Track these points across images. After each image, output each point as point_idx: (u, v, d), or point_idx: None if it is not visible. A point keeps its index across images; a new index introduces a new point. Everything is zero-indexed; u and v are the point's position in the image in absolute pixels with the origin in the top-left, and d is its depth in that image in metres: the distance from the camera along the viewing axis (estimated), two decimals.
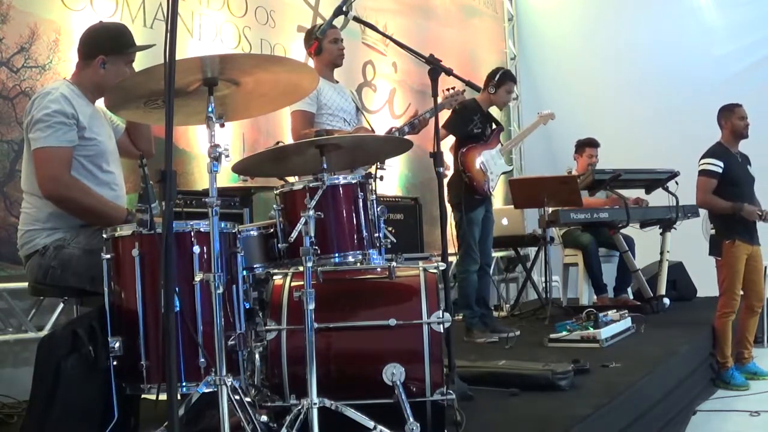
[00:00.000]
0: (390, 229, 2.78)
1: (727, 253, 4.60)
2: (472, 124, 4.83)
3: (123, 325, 2.26)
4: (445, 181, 3.31)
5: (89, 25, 2.93)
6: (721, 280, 4.67)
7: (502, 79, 4.93)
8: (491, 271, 5.15)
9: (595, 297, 6.29)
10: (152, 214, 2.24)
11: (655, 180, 6.01)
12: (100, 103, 2.74)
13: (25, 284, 2.80)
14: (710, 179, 4.64)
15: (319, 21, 5.45)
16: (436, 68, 2.90)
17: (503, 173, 5.13)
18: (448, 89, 4.35)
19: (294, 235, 2.52)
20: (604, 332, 4.34)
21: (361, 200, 2.66)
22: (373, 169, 2.82)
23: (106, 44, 2.73)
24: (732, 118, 4.75)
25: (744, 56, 7.10)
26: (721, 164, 4.63)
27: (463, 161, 4.76)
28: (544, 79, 8.13)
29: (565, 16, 8.10)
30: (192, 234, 2.30)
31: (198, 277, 2.20)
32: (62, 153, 2.58)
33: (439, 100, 3.23)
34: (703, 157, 4.73)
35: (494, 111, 5.22)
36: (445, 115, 4.66)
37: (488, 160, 4.87)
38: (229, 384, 2.11)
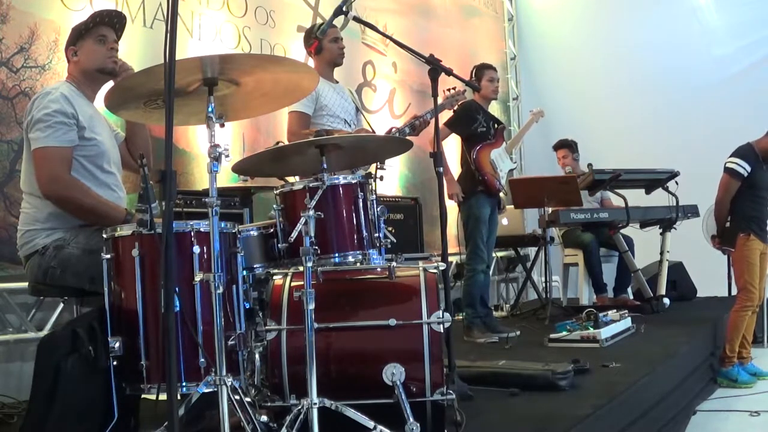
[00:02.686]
0: (390, 229, 2.78)
1: (743, 246, 4.58)
2: (476, 123, 4.87)
3: (123, 325, 2.26)
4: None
5: None
6: (738, 275, 4.65)
7: (479, 73, 5.03)
8: (491, 271, 5.14)
9: (594, 297, 6.29)
10: (152, 214, 2.24)
11: (655, 180, 6.01)
12: (100, 103, 2.74)
13: (25, 284, 2.79)
14: (734, 181, 4.59)
15: (319, 21, 5.45)
16: (436, 68, 2.90)
17: (510, 170, 5.16)
18: (448, 89, 4.36)
19: (294, 235, 2.52)
20: (604, 332, 4.34)
21: (361, 200, 2.66)
22: (373, 169, 2.83)
23: (69, 38, 2.79)
24: None
25: (744, 56, 7.10)
26: (749, 168, 4.57)
27: (476, 161, 4.78)
28: (544, 79, 8.13)
29: (565, 16, 8.10)
30: (192, 234, 2.30)
31: (198, 277, 2.20)
32: (62, 153, 2.58)
33: (440, 100, 3.24)
34: (733, 155, 4.65)
35: (494, 111, 5.24)
36: (445, 115, 4.67)
37: (496, 158, 4.92)
38: (229, 384, 2.11)
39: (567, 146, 6.51)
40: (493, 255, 5.30)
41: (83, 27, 2.75)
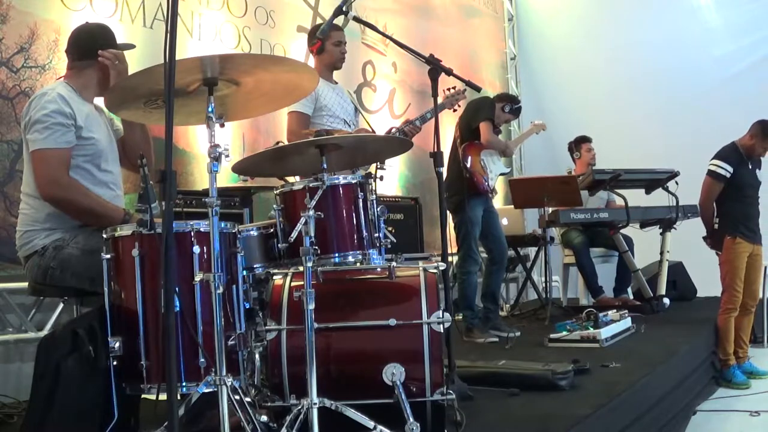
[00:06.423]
0: (390, 229, 2.78)
1: (728, 249, 4.64)
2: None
3: (123, 325, 2.26)
4: None
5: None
6: (722, 277, 4.70)
7: (515, 111, 5.13)
8: (505, 266, 5.02)
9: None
10: (152, 214, 2.24)
11: (655, 180, 6.01)
12: (100, 102, 2.74)
13: (25, 284, 2.80)
14: (717, 183, 4.66)
15: (320, 21, 5.45)
16: (436, 68, 2.90)
17: (501, 174, 5.14)
18: (448, 89, 4.36)
19: (294, 235, 2.52)
20: (604, 332, 4.34)
21: (361, 200, 2.66)
22: (373, 169, 2.82)
23: (75, 52, 2.78)
24: (765, 141, 4.70)
25: (744, 56, 7.10)
26: (731, 169, 4.64)
27: (463, 156, 4.77)
28: (544, 79, 8.13)
29: (565, 16, 8.10)
30: (192, 234, 2.30)
31: (198, 277, 2.20)
32: (60, 154, 2.58)
33: (440, 100, 3.23)
34: (715, 157, 4.73)
35: None
36: (445, 115, 4.65)
37: (487, 159, 4.90)
38: (229, 384, 2.11)
39: (589, 140, 6.51)
40: (507, 248, 5.13)
41: (113, 43, 2.79)
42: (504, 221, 6.20)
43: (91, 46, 2.76)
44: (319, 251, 2.40)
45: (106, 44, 2.77)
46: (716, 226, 4.72)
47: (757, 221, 4.72)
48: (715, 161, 4.70)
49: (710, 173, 4.70)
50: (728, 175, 4.63)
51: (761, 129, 4.69)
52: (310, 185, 2.56)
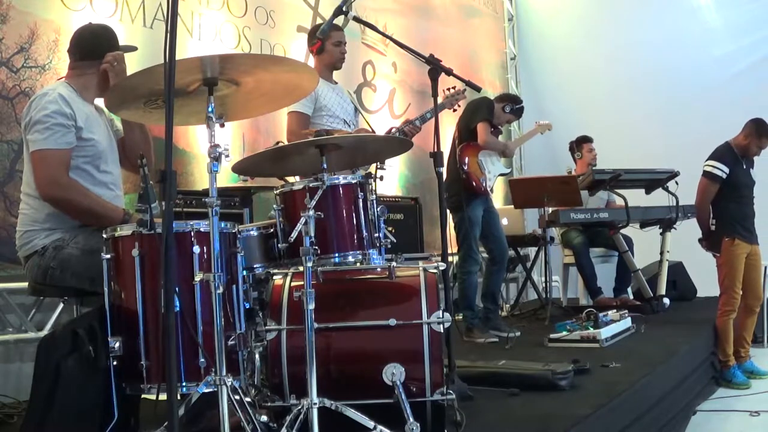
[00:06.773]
0: (390, 229, 2.78)
1: (727, 251, 4.63)
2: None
3: (123, 325, 2.26)
4: None
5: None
6: (721, 279, 4.70)
7: (516, 111, 5.13)
8: (505, 266, 5.00)
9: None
10: (152, 214, 2.24)
11: (655, 180, 6.01)
12: (100, 102, 2.74)
13: (25, 284, 2.80)
14: (713, 183, 4.64)
15: (320, 21, 5.45)
16: (436, 68, 2.90)
17: (501, 175, 5.13)
18: (448, 89, 4.36)
19: (294, 235, 2.53)
20: (604, 332, 4.34)
21: (361, 200, 2.66)
22: (373, 169, 2.83)
23: (78, 51, 2.78)
24: (761, 140, 4.69)
25: (744, 56, 7.10)
26: (727, 170, 4.62)
27: (461, 157, 4.76)
28: (544, 79, 8.13)
29: (565, 16, 8.10)
30: (192, 234, 2.30)
31: (198, 277, 2.20)
32: (60, 155, 2.58)
33: (440, 100, 3.23)
34: (710, 157, 4.71)
35: None
36: (445, 115, 4.65)
37: (485, 159, 4.89)
38: (229, 384, 2.11)
39: (590, 140, 6.53)
40: (508, 248, 5.10)
41: (117, 45, 2.78)
42: (504, 221, 6.20)
43: (94, 47, 2.76)
44: (319, 251, 2.40)
45: (109, 45, 2.77)
46: (713, 227, 4.70)
47: (752, 221, 4.71)
48: (711, 162, 4.67)
49: (706, 174, 4.67)
50: (724, 176, 4.61)
51: (756, 128, 4.68)
52: (310, 185, 2.56)
